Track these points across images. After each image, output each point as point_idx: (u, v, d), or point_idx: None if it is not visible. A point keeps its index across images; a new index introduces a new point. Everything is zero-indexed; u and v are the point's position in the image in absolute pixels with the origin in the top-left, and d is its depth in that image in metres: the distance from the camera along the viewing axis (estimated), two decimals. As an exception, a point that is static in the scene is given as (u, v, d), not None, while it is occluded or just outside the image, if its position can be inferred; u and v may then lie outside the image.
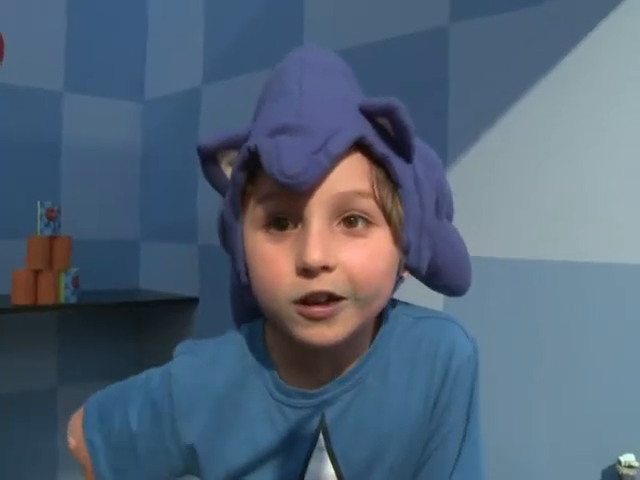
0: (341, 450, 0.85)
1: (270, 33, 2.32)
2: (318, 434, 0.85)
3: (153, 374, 0.91)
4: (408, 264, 0.82)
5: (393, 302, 0.91)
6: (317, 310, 0.75)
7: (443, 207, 0.85)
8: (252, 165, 0.76)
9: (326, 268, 0.73)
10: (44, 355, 2.64)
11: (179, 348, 0.92)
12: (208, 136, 0.83)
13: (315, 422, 0.85)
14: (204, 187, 2.76)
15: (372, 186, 0.76)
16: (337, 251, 0.74)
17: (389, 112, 0.75)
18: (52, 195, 2.60)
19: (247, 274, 0.81)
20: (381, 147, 0.76)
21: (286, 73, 0.81)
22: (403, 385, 0.86)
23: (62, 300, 2.34)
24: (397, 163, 0.77)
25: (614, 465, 1.39)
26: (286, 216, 0.76)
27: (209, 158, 0.83)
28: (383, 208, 0.77)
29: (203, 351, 0.91)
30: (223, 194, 0.85)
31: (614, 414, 1.43)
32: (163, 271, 2.80)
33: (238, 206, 0.80)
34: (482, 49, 1.67)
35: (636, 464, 1.36)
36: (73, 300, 2.37)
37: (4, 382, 2.52)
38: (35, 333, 2.61)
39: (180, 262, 2.68)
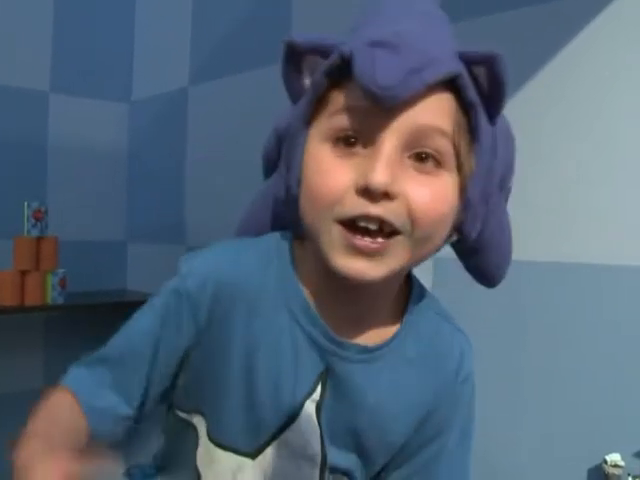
0: (328, 414, 0.83)
1: (257, 34, 2.32)
2: (317, 385, 0.82)
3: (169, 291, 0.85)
4: (461, 226, 0.78)
5: (420, 288, 0.89)
6: (364, 244, 0.71)
7: (506, 185, 0.83)
8: (338, 73, 0.73)
9: (387, 195, 0.70)
10: (31, 356, 2.62)
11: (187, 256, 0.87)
12: (300, 34, 0.76)
13: (319, 369, 0.82)
14: (192, 188, 2.76)
15: (453, 128, 0.72)
16: (403, 181, 0.71)
17: (490, 60, 0.71)
18: (39, 196, 2.59)
19: (299, 186, 0.76)
20: (472, 94, 0.73)
21: (381, 3, 0.78)
22: (410, 380, 0.85)
23: (49, 301, 2.33)
24: (481, 116, 0.74)
25: (600, 464, 1.40)
26: (358, 135, 0.72)
27: (294, 58, 0.77)
28: (457, 154, 0.73)
29: (224, 249, 0.86)
30: (293, 100, 0.80)
31: (600, 414, 1.44)
32: (150, 272, 2.79)
33: (310, 112, 0.76)
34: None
35: (622, 463, 1.37)
36: (60, 301, 2.36)
37: (-10, 383, 2.51)
38: (22, 334, 2.60)
39: (167, 263, 2.66)
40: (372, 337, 0.83)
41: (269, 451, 0.83)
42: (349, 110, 0.72)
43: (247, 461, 0.84)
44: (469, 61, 0.72)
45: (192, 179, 2.59)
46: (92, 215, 2.81)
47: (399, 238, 0.72)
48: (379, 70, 0.68)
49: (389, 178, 0.69)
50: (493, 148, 0.76)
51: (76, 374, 0.90)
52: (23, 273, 2.28)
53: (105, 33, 2.85)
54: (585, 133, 1.47)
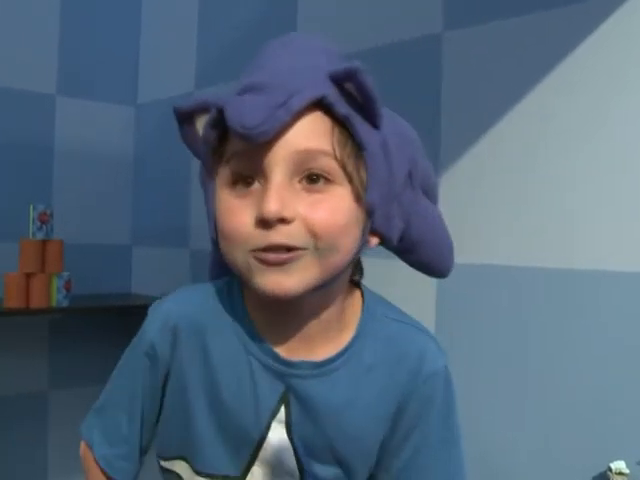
0: (299, 431, 0.88)
1: (263, 39, 2.31)
2: (280, 405, 0.87)
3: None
4: (377, 229, 0.84)
5: (374, 299, 0.93)
6: (273, 256, 0.77)
7: (417, 181, 0.87)
8: (222, 124, 0.79)
9: (284, 220, 0.76)
10: (36, 358, 2.63)
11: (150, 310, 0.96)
12: (185, 99, 0.87)
13: (279, 391, 0.87)
14: (197, 191, 2.76)
15: (332, 145, 0.79)
16: (296, 205, 0.77)
17: (350, 75, 0.77)
18: (44, 199, 2.60)
19: (216, 230, 0.84)
20: (343, 108, 0.78)
21: (261, 51, 0.88)
22: (371, 386, 0.88)
23: (54, 304, 2.34)
24: (361, 125, 0.80)
25: (605, 472, 1.40)
26: (251, 174, 0.79)
27: (185, 120, 0.88)
28: (343, 167, 0.79)
29: (171, 298, 0.96)
30: (198, 157, 0.89)
31: (605, 420, 1.43)
32: (155, 275, 2.80)
33: (210, 164, 0.84)
34: (475, 57, 1.67)
35: (627, 471, 1.36)
36: (65, 304, 2.36)
37: (-5, 385, 2.51)
38: (27, 336, 2.61)
39: (172, 266, 2.68)
40: (325, 351, 0.88)
41: (255, 470, 0.89)
42: (237, 155, 0.80)
43: None
44: (336, 80, 0.79)
45: (197, 183, 2.59)
46: (97, 218, 2.81)
47: (305, 252, 0.78)
48: (245, 113, 0.75)
49: (280, 206, 0.76)
50: (385, 151, 0.82)
51: (90, 427, 0.99)
52: (28, 275, 2.29)
53: (111, 37, 2.86)
54: (587, 143, 1.47)
